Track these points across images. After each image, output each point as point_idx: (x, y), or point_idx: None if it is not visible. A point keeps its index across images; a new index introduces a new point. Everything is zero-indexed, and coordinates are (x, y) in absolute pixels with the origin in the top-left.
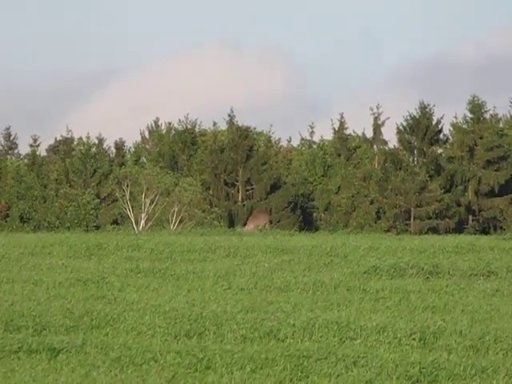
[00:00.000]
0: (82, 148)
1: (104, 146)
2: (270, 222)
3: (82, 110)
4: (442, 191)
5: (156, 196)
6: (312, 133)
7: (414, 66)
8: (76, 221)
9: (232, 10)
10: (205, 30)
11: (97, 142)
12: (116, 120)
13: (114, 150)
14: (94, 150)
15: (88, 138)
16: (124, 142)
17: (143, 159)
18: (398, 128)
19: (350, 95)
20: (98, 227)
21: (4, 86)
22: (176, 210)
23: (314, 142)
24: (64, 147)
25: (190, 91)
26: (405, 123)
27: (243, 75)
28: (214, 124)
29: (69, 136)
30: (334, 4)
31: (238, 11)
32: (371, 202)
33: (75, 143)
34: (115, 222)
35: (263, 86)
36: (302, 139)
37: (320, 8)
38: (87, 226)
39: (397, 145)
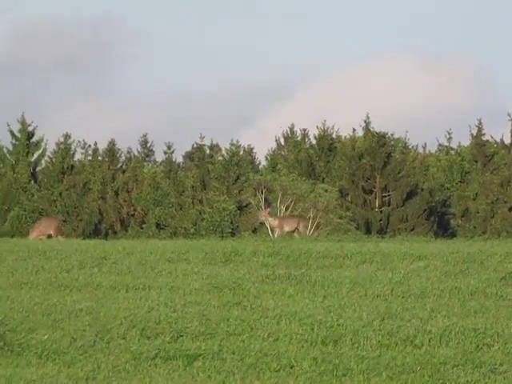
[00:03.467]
0: (225, 155)
1: (241, 153)
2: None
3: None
4: None
5: (291, 202)
6: (449, 139)
7: None
8: (212, 227)
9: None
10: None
11: (235, 149)
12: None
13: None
14: (235, 157)
15: (233, 145)
16: (252, 149)
17: (279, 166)
18: None
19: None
20: (233, 234)
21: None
22: (312, 215)
23: (452, 148)
24: (199, 154)
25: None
26: None
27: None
28: (354, 130)
29: (204, 143)
30: None
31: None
32: (510, 209)
33: (211, 150)
34: (254, 230)
35: (407, 92)
36: (440, 145)
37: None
38: (222, 233)
39: None
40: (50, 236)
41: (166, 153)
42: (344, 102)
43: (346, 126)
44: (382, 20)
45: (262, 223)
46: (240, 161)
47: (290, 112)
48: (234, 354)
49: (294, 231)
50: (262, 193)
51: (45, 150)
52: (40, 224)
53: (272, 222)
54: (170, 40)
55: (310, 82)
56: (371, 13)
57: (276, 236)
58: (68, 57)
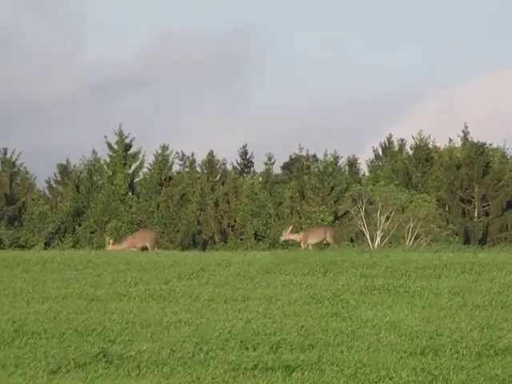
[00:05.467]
0: (319, 166)
1: (339, 164)
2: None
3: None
4: None
5: (391, 213)
6: None
7: None
8: None
9: None
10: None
11: (332, 159)
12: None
13: (347, 168)
14: (330, 168)
15: (326, 155)
16: (357, 159)
17: (377, 176)
18: None
19: None
20: (330, 244)
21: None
22: (411, 226)
23: None
24: (298, 165)
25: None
26: None
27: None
28: (450, 141)
29: (303, 154)
30: None
31: None
32: None
33: (309, 161)
34: (351, 240)
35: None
36: None
37: None
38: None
39: None
40: (143, 248)
41: (266, 164)
42: (443, 114)
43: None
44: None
45: (287, 241)
46: (334, 171)
47: (414, 122)
48: (332, 364)
49: (322, 242)
50: (362, 203)
51: (142, 161)
52: (133, 236)
53: (296, 237)
54: (302, 52)
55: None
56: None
57: (303, 248)
58: (202, 68)
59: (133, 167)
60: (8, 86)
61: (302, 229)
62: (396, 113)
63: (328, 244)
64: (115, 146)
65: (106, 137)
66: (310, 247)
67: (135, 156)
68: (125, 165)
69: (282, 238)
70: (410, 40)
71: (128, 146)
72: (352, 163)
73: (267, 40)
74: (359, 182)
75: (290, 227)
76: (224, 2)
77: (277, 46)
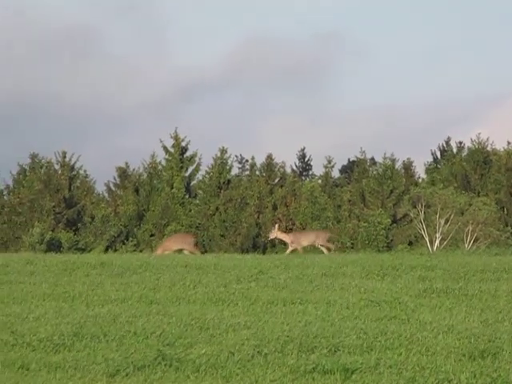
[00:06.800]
0: (378, 168)
1: (396, 167)
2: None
3: None
4: None
5: (450, 216)
6: None
7: None
8: (367, 241)
9: None
10: None
11: (390, 162)
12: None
13: (403, 171)
14: (389, 171)
15: (385, 158)
16: (412, 162)
17: (435, 179)
18: None
19: None
20: (389, 247)
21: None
22: (470, 229)
23: None
24: (359, 168)
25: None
26: None
27: None
28: (509, 143)
29: (362, 157)
30: None
31: None
32: None
33: (368, 164)
34: (409, 243)
35: None
36: None
37: None
38: (378, 246)
39: None
40: (179, 250)
41: (325, 167)
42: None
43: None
44: None
45: (274, 239)
46: (394, 174)
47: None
48: (391, 368)
49: (313, 245)
50: (422, 206)
51: (199, 164)
52: (169, 239)
53: (286, 238)
54: (386, 56)
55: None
56: None
57: (288, 251)
58: (284, 72)
59: (189, 170)
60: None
61: (291, 230)
62: (456, 116)
63: (329, 249)
64: (171, 150)
65: (161, 140)
66: (300, 249)
67: (191, 159)
68: (181, 168)
69: (271, 236)
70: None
71: (184, 149)
72: (407, 166)
73: (349, 47)
74: (416, 185)
75: (277, 225)
76: (309, 10)
77: (358, 53)
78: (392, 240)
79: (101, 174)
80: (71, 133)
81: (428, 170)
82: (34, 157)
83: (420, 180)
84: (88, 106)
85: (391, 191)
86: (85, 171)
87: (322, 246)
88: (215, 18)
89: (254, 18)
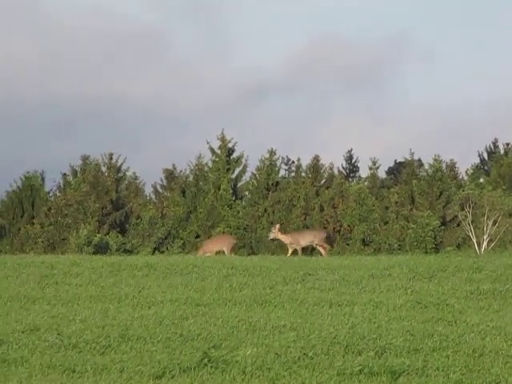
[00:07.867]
0: (428, 170)
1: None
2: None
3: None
4: None
5: (498, 217)
6: None
7: None
8: (415, 243)
9: None
10: None
11: (437, 164)
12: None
13: (448, 172)
14: (439, 173)
15: (435, 159)
16: (455, 163)
17: (482, 181)
18: None
19: None
20: (437, 249)
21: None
22: None
23: None
24: (408, 169)
25: None
26: None
27: None
28: None
29: (411, 159)
30: None
31: None
32: None
33: (416, 165)
34: (457, 245)
35: None
36: None
37: None
38: (426, 248)
39: None
40: (218, 252)
41: (370, 168)
42: None
43: None
44: None
45: (274, 240)
46: (443, 176)
47: None
48: (438, 370)
49: (312, 245)
50: (470, 208)
51: (245, 166)
52: (211, 241)
53: (285, 239)
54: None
55: None
56: None
57: (290, 253)
58: (350, 74)
59: (236, 172)
60: (151, 94)
61: (286, 231)
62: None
63: (324, 248)
64: (218, 151)
65: (208, 142)
66: (299, 250)
67: (238, 161)
68: (228, 170)
69: (271, 237)
70: None
71: (231, 151)
72: (451, 167)
73: (416, 48)
74: (462, 187)
75: (278, 226)
76: (377, 10)
77: (425, 55)
78: (441, 242)
79: (153, 176)
80: (130, 135)
81: (475, 172)
82: (85, 159)
83: (463, 181)
84: (148, 109)
85: (440, 193)
86: (134, 173)
87: (319, 246)
88: (283, 20)
89: (322, 19)
